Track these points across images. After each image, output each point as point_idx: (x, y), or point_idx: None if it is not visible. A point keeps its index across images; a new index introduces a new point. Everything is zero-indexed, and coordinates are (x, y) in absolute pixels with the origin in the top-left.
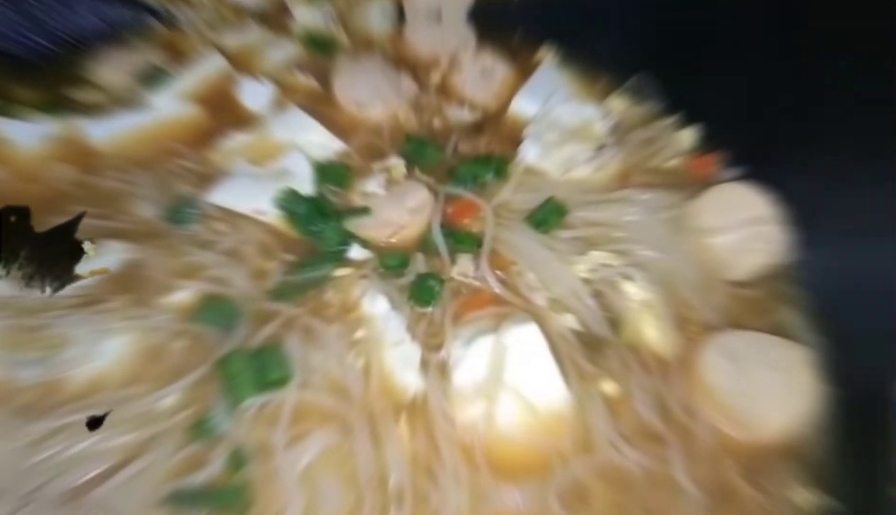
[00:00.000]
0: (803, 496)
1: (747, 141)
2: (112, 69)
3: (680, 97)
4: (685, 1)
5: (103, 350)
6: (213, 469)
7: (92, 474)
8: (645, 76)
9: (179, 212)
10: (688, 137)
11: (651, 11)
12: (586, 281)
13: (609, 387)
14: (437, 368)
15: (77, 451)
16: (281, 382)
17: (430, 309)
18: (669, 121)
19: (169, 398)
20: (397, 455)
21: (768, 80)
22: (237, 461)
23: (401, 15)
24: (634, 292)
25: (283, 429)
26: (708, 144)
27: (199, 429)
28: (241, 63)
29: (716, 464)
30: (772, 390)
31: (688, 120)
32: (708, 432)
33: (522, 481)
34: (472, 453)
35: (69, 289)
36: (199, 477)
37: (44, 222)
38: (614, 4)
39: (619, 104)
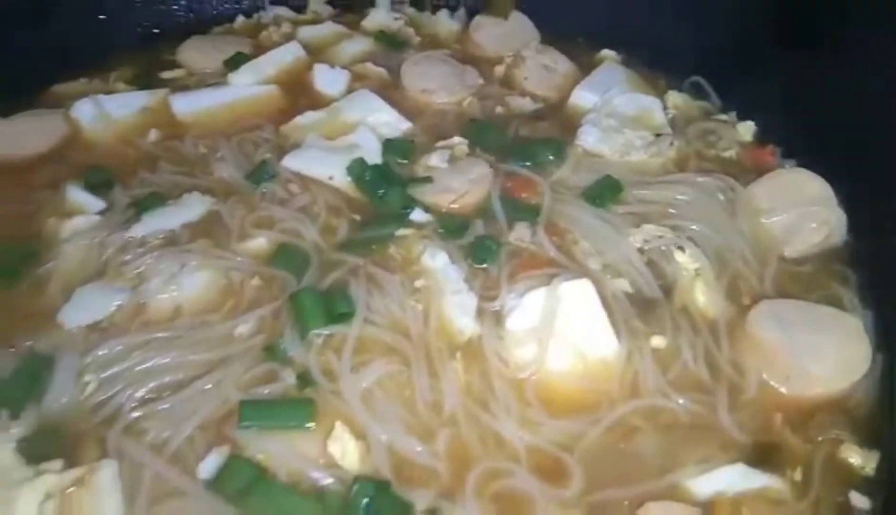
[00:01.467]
0: (850, 449)
1: (801, 137)
2: (202, 53)
3: (740, 95)
4: (744, 6)
5: (184, 283)
6: (282, 385)
7: (167, 383)
8: (704, 77)
9: (257, 173)
10: (745, 130)
11: (713, 16)
12: (640, 250)
13: (658, 342)
14: (491, 315)
15: (150, 365)
16: (346, 316)
17: (487, 266)
18: (728, 116)
19: (242, 326)
20: (452, 385)
21: (824, 78)
22: (304, 380)
23: (469, 17)
24: (686, 261)
25: (347, 356)
26: (765, 136)
27: (271, 352)
28: (318, 53)
29: (763, 415)
30: (820, 350)
31: (746, 115)
32: (755, 385)
33: (570, 416)
34: (523, 389)
35: (155, 231)
36: (269, 391)
37: (138, 178)
38: (678, 10)
39: (677, 99)
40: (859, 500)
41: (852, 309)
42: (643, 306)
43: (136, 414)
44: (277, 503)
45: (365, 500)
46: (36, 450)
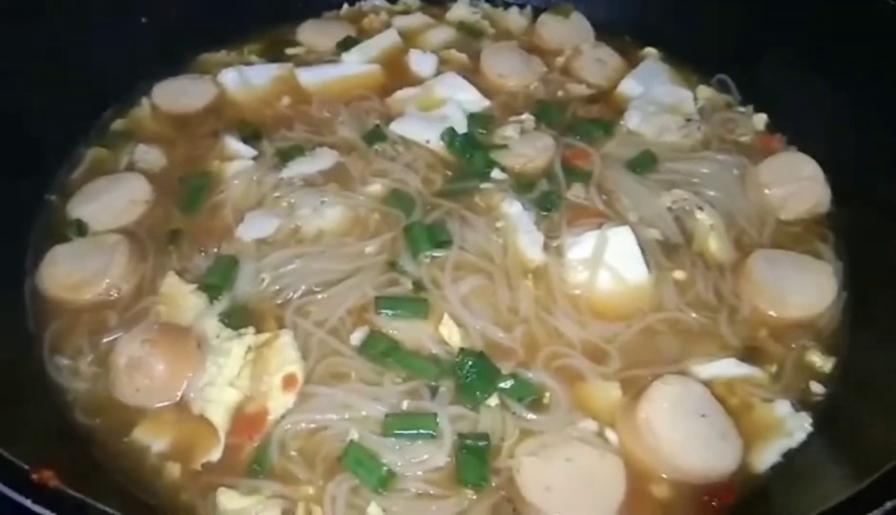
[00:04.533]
0: (817, 356)
1: (803, 128)
2: (318, 34)
3: (757, 92)
4: (766, 20)
5: (325, 213)
6: (403, 288)
7: (321, 281)
8: (729, 75)
9: (371, 135)
10: (759, 120)
11: (737, 25)
12: (668, 208)
13: (679, 274)
14: (554, 249)
15: (308, 269)
16: (446, 243)
17: (551, 214)
18: (745, 109)
19: (370, 247)
20: (526, 295)
21: (827, 80)
22: (418, 286)
23: (535, 14)
24: (703, 218)
25: (448, 271)
26: (774, 126)
27: (392, 266)
28: (410, 39)
29: (753, 328)
30: (800, 285)
31: (761, 109)
32: (749, 308)
33: (612, 321)
34: (578, 301)
35: (298, 175)
36: (394, 291)
37: (279, 133)
38: (711, 17)
39: (706, 92)
40: (817, 388)
41: (828, 259)
42: (669, 249)
43: (302, 301)
44: (406, 362)
45: (469, 362)
46: (233, 321)
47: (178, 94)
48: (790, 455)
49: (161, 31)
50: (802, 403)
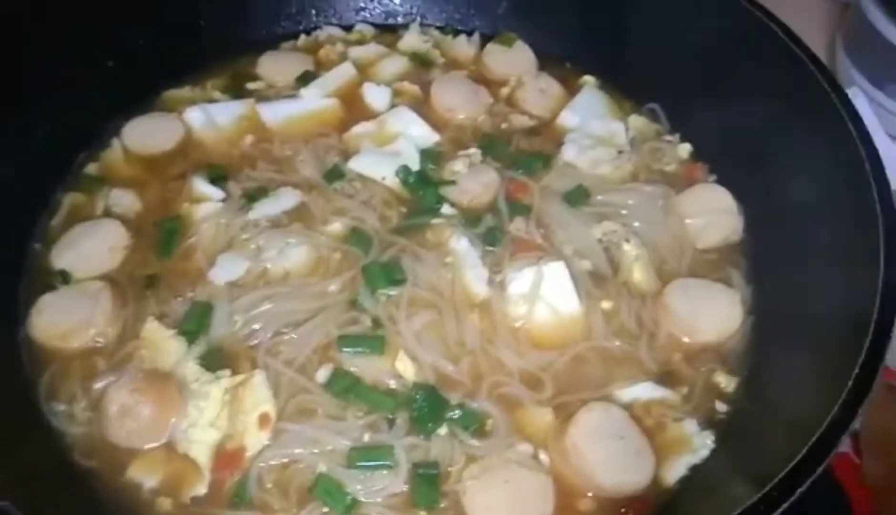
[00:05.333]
0: (722, 377)
1: (722, 158)
2: (277, 67)
3: (682, 122)
4: (699, 55)
5: (290, 254)
6: (363, 325)
7: (289, 322)
8: (658, 105)
9: (330, 174)
10: (684, 150)
11: (671, 60)
12: (599, 240)
13: (606, 304)
14: (498, 283)
15: (277, 310)
16: (401, 281)
17: (495, 249)
18: (672, 138)
19: (332, 286)
20: (471, 329)
21: (746, 115)
22: (376, 323)
23: (483, 42)
24: (629, 249)
25: (403, 308)
26: (696, 157)
27: (353, 304)
28: (364, 70)
29: (668, 353)
30: (710, 312)
31: (685, 139)
32: (665, 335)
33: (547, 351)
34: (518, 333)
35: (264, 216)
36: (354, 329)
37: (244, 174)
38: (641, 49)
39: (637, 122)
40: (721, 406)
41: (737, 286)
42: (598, 279)
43: (272, 341)
44: (367, 397)
45: (420, 395)
46: (211, 363)
47: (147, 134)
48: (696, 469)
49: (126, 71)
50: (708, 421)
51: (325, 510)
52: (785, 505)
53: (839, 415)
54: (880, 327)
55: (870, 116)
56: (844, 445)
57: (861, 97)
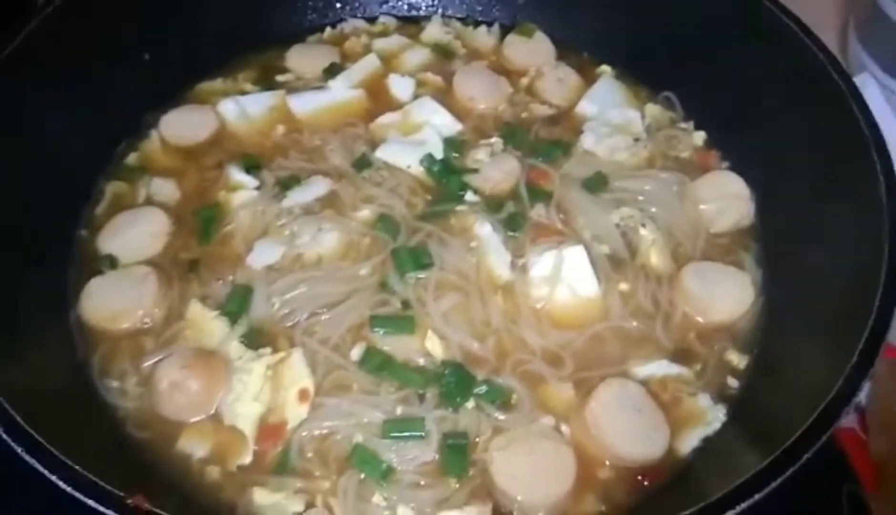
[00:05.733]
0: (734, 354)
1: (736, 146)
2: (305, 60)
3: (696, 111)
4: (713, 45)
5: (323, 240)
6: (392, 307)
7: (324, 303)
8: (673, 93)
9: (359, 162)
10: (698, 138)
11: (685, 49)
12: (616, 225)
13: (624, 286)
14: (520, 267)
15: (313, 292)
16: (428, 265)
17: (516, 234)
18: (686, 126)
19: (363, 270)
20: (496, 310)
21: (758, 103)
22: (406, 305)
23: (503, 35)
24: (646, 234)
25: (431, 290)
26: (710, 144)
27: (383, 287)
28: (389, 61)
29: (682, 333)
30: (723, 294)
31: (699, 126)
32: (680, 315)
33: (567, 330)
34: (540, 314)
35: (297, 203)
36: (385, 311)
37: (276, 163)
38: (656, 39)
39: (652, 110)
40: (733, 382)
41: (749, 269)
42: (616, 263)
43: (308, 322)
44: (398, 374)
45: (450, 372)
46: (252, 342)
47: (184, 126)
48: (709, 440)
49: (161, 64)
50: (720, 395)
51: (362, 476)
52: (790, 471)
53: (843, 388)
54: (883, 305)
55: (880, 102)
56: (852, 421)
57: (872, 83)
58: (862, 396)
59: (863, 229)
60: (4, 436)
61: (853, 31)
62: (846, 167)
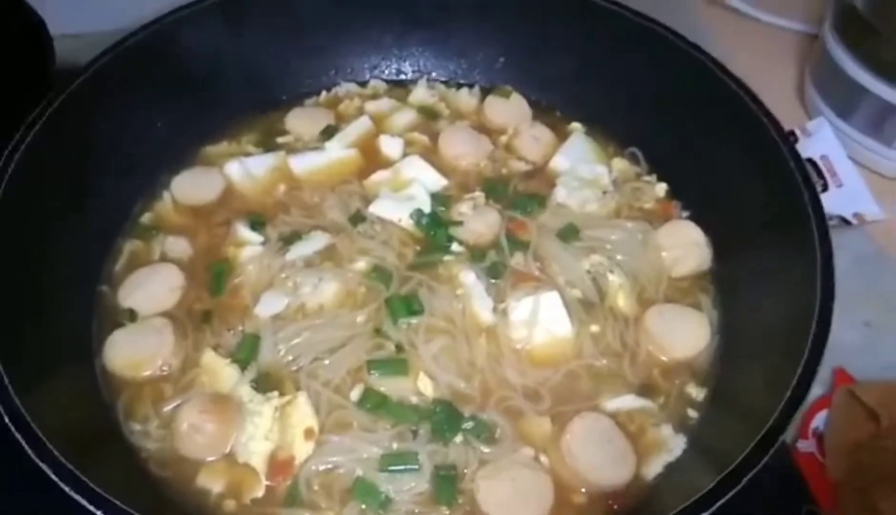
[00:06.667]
0: (693, 388)
1: (695, 196)
2: (303, 122)
3: (658, 164)
4: (672, 105)
5: (323, 290)
6: (387, 351)
7: (325, 349)
8: (638, 149)
9: (354, 218)
10: (660, 190)
11: (649, 109)
12: (587, 271)
13: (594, 328)
14: (501, 311)
15: (316, 339)
16: (419, 312)
17: (498, 281)
18: (650, 178)
19: (360, 317)
20: (480, 351)
21: (713, 158)
22: (399, 348)
23: (482, 94)
24: (614, 279)
25: (422, 335)
26: (672, 195)
27: (378, 333)
28: (380, 122)
29: (647, 369)
30: (683, 333)
31: (661, 179)
32: (644, 354)
33: (544, 368)
34: (520, 354)
35: (299, 257)
36: (380, 354)
37: (279, 219)
38: (622, 99)
39: (619, 164)
40: (692, 413)
41: (706, 310)
42: (587, 306)
43: (312, 366)
44: (394, 412)
45: (439, 409)
46: (261, 386)
47: (193, 187)
48: (671, 466)
49: (171, 130)
50: (681, 425)
51: (363, 507)
52: (739, 486)
53: (784, 409)
54: (816, 340)
55: (834, 143)
56: (811, 446)
57: (826, 126)
58: (820, 423)
59: (801, 269)
60: (47, 471)
61: (809, 79)
62: (785, 213)
